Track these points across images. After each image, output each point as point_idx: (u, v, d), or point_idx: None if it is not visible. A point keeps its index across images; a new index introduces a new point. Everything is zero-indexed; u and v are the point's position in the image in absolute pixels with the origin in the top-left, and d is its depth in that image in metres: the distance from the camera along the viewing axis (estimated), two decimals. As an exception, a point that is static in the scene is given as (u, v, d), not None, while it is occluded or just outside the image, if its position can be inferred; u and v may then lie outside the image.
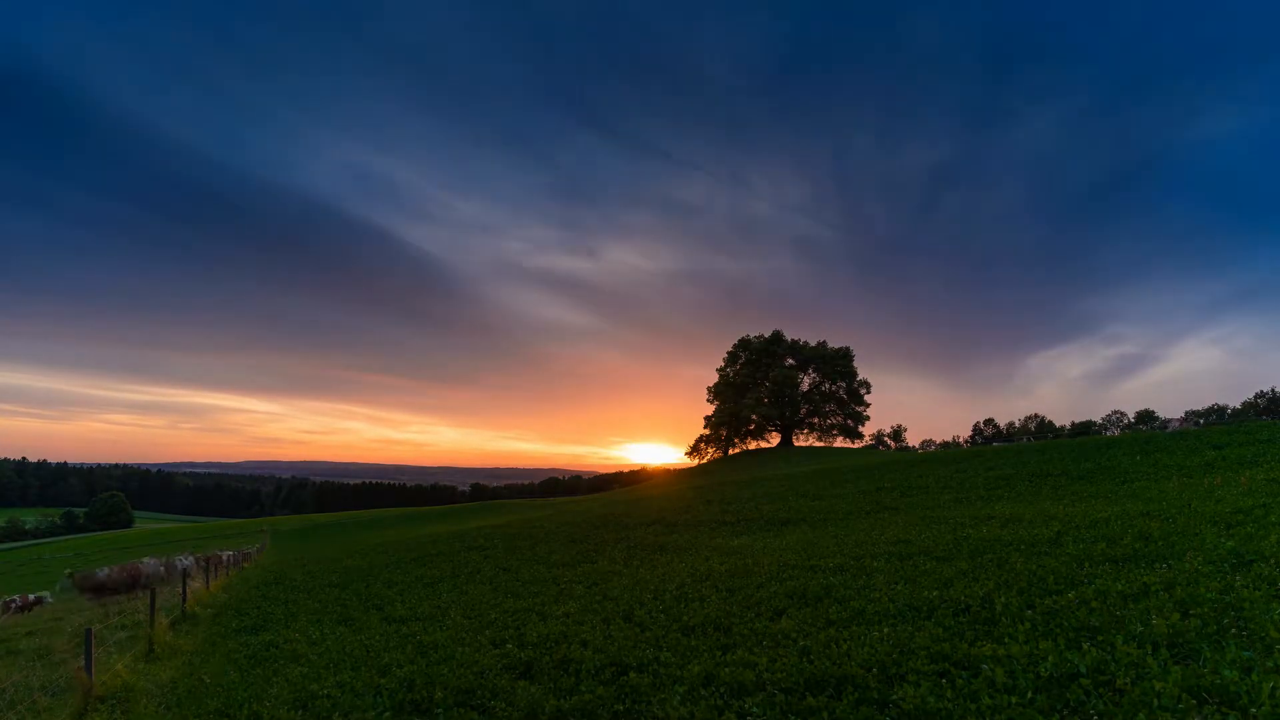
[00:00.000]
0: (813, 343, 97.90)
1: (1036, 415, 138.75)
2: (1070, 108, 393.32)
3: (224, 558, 27.35)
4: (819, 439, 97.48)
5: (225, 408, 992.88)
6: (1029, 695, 5.15)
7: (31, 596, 23.05)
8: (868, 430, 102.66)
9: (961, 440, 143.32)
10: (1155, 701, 4.68)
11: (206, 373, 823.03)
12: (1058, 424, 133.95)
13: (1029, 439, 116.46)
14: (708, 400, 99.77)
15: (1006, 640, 6.42)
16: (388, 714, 6.93)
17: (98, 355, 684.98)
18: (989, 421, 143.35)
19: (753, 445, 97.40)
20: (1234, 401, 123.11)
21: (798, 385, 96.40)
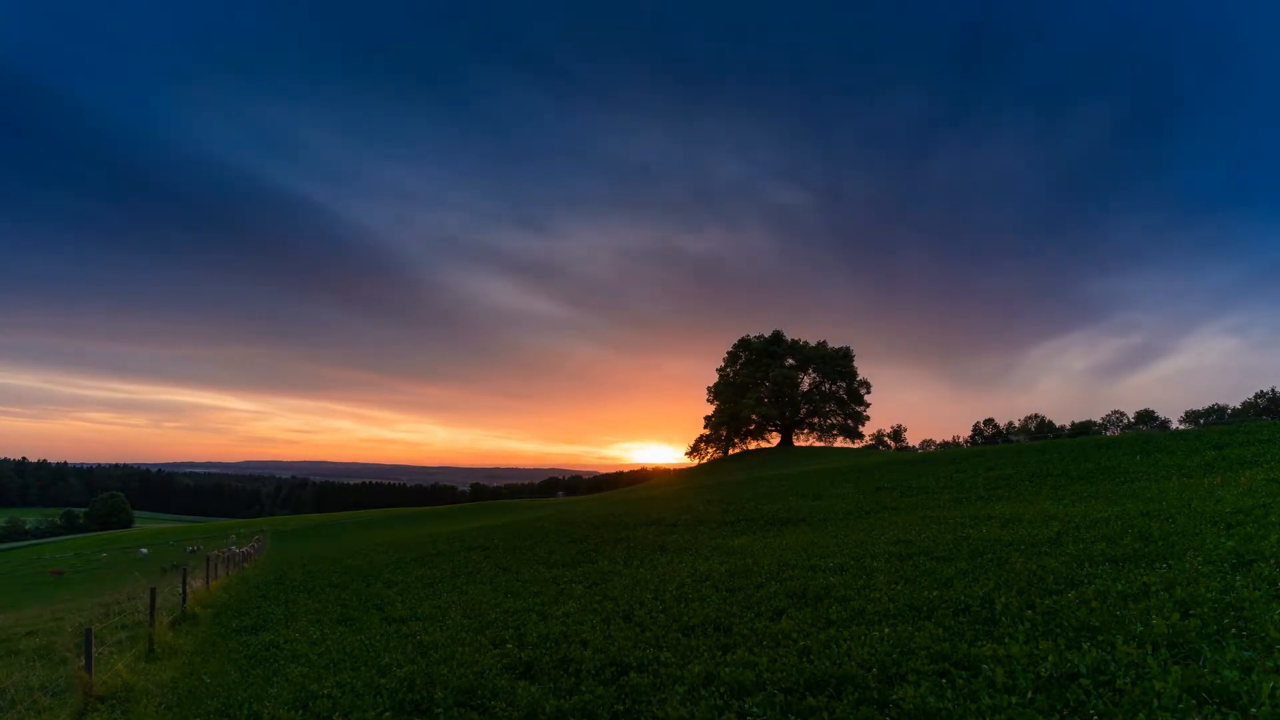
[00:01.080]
0: (813, 343, 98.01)
1: (1036, 415, 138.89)
2: (1076, 53, 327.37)
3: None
4: (819, 439, 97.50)
5: (206, 406, 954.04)
6: (1029, 695, 5.15)
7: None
8: (868, 430, 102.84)
9: (961, 440, 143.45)
10: (1155, 701, 4.68)
11: (179, 369, 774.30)
12: (1057, 424, 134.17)
13: (1029, 439, 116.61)
14: (708, 400, 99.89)
15: (1006, 640, 6.42)
16: (388, 714, 6.93)
17: (68, 351, 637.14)
18: (989, 421, 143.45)
19: (753, 445, 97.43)
20: (1235, 401, 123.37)
21: (798, 385, 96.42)
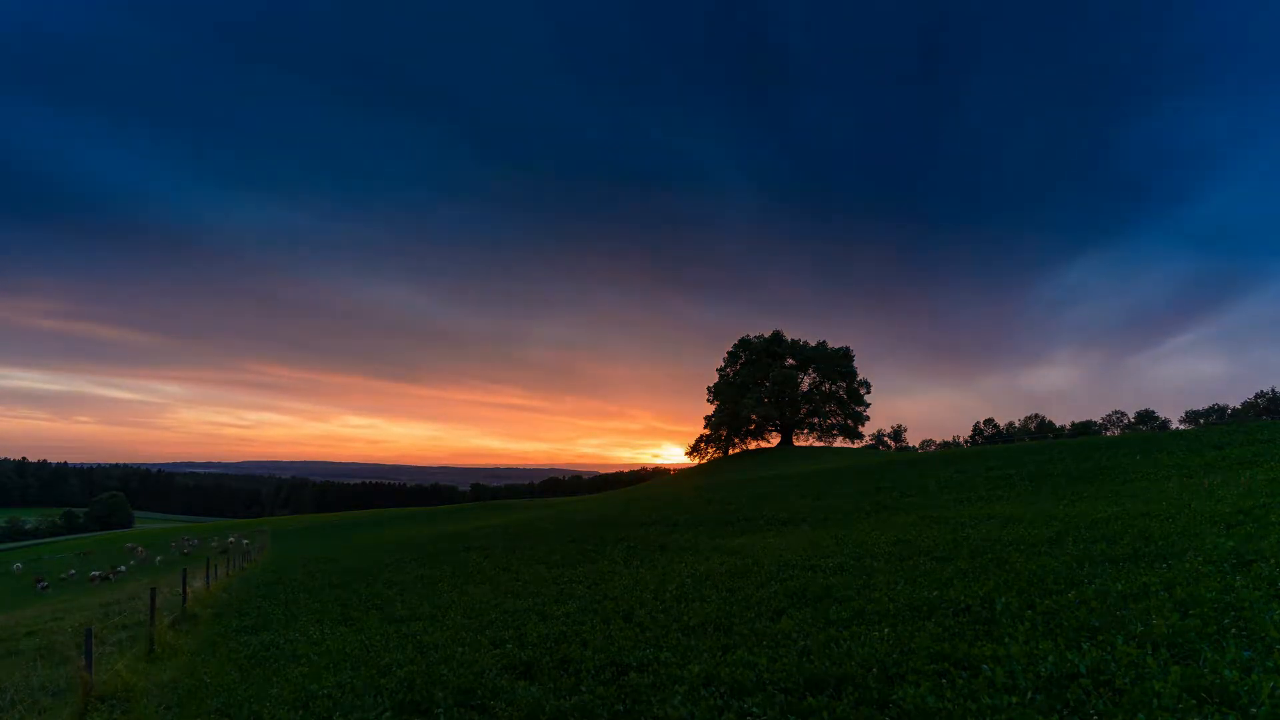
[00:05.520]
0: (812, 343, 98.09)
1: (1037, 415, 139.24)
2: None
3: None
4: (819, 439, 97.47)
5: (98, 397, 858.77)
6: (1029, 695, 5.15)
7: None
8: (868, 430, 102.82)
9: (961, 440, 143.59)
10: (1155, 701, 4.68)
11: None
12: (1058, 424, 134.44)
13: (1029, 439, 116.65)
14: (708, 400, 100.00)
15: (1006, 640, 6.42)
16: (388, 714, 6.93)
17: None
18: (989, 421, 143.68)
19: (753, 445, 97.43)
20: (1235, 401, 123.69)
21: (798, 385, 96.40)
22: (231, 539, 45.88)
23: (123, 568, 36.02)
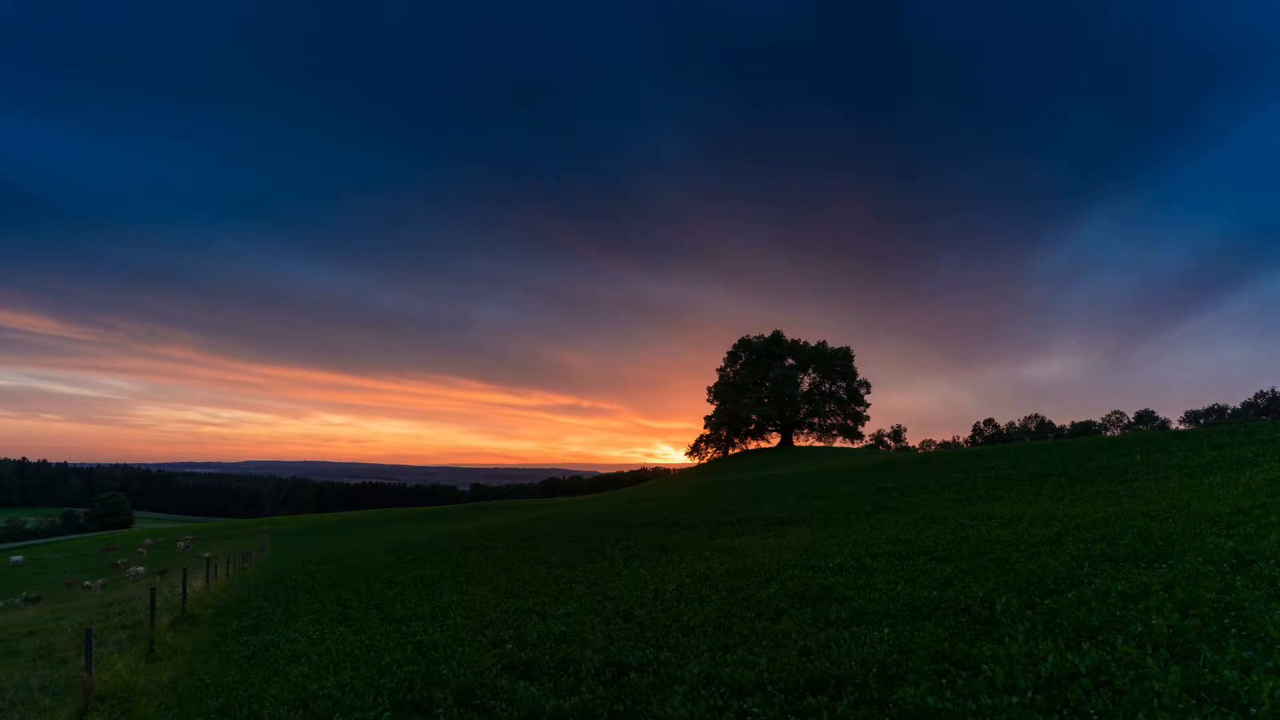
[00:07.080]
0: (812, 343, 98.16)
1: (1037, 415, 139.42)
2: None
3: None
4: (819, 439, 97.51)
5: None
6: (1029, 695, 5.15)
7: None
8: (868, 430, 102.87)
9: (961, 440, 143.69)
10: (1155, 701, 4.68)
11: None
12: (1057, 424, 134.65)
13: (1029, 439, 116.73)
14: (708, 400, 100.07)
15: (1006, 640, 6.42)
16: (388, 714, 6.93)
17: None
18: (989, 421, 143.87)
19: (753, 445, 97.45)
20: (1235, 401, 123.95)
21: (798, 385, 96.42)
22: (234, 550, 45.55)
23: (88, 582, 35.48)
